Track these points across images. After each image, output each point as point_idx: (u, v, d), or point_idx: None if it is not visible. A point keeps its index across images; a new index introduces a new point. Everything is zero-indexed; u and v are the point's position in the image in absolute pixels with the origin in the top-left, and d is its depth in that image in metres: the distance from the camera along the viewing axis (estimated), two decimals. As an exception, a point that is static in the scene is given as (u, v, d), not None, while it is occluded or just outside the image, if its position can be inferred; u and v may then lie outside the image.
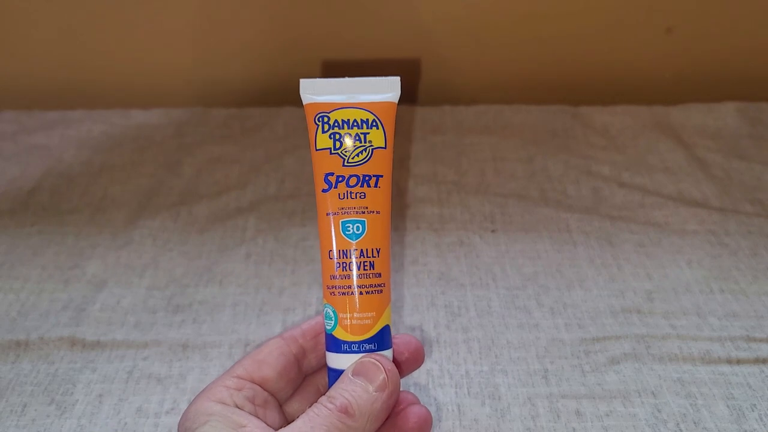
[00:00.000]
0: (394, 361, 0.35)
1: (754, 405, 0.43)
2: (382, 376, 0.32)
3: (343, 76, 0.35)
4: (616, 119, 0.73)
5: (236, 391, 0.32)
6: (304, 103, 0.35)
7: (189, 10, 0.74)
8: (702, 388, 0.44)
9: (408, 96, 0.78)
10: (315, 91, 0.35)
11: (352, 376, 0.32)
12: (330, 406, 0.30)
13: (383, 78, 0.35)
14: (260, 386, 0.33)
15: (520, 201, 0.62)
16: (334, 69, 0.76)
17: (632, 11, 0.75)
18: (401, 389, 0.34)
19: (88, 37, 0.75)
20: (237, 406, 0.31)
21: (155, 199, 0.62)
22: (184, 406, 0.43)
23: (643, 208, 0.61)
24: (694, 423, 0.41)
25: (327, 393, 0.31)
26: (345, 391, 0.31)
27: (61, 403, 0.43)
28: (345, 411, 0.30)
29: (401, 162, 0.67)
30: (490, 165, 0.67)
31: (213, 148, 0.69)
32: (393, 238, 0.57)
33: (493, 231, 0.58)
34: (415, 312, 0.50)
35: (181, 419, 0.31)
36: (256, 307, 0.51)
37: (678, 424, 0.41)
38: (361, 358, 0.33)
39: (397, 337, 0.36)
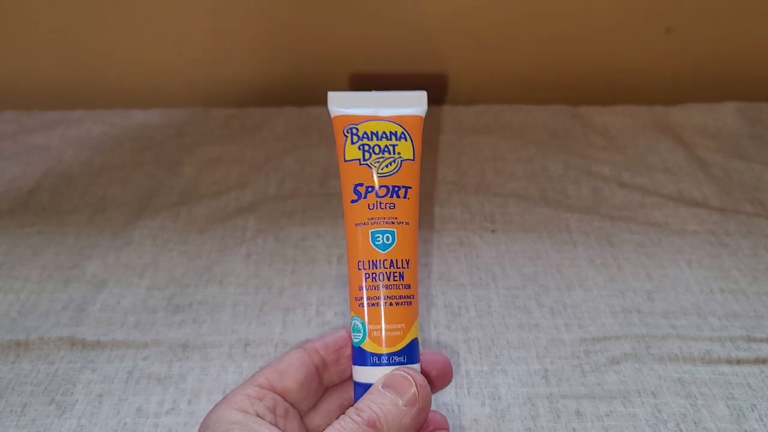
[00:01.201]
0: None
1: (755, 405, 0.43)
2: (412, 390, 0.31)
3: (369, 89, 0.35)
4: (616, 119, 0.73)
5: (257, 400, 0.31)
6: (332, 116, 0.35)
7: (189, 10, 0.74)
8: (702, 388, 0.44)
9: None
10: (343, 104, 0.35)
11: (382, 388, 0.31)
12: (357, 419, 0.29)
13: (410, 92, 0.35)
14: (281, 396, 0.33)
15: (520, 201, 0.62)
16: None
17: (632, 11, 0.75)
18: (432, 409, 0.33)
19: (88, 37, 0.75)
20: (258, 415, 0.31)
21: (155, 199, 0.62)
22: (184, 407, 0.43)
23: (643, 208, 0.61)
24: (695, 423, 0.41)
25: (355, 405, 0.31)
26: (374, 404, 0.30)
27: (61, 403, 0.43)
28: (372, 425, 0.29)
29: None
30: (490, 165, 0.67)
31: (213, 148, 0.69)
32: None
33: (493, 231, 0.58)
34: (415, 312, 0.50)
35: (201, 426, 0.31)
36: (256, 307, 0.51)
37: (678, 424, 0.41)
38: (393, 370, 0.32)
39: (425, 353, 0.35)
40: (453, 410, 0.43)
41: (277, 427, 0.31)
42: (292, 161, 0.67)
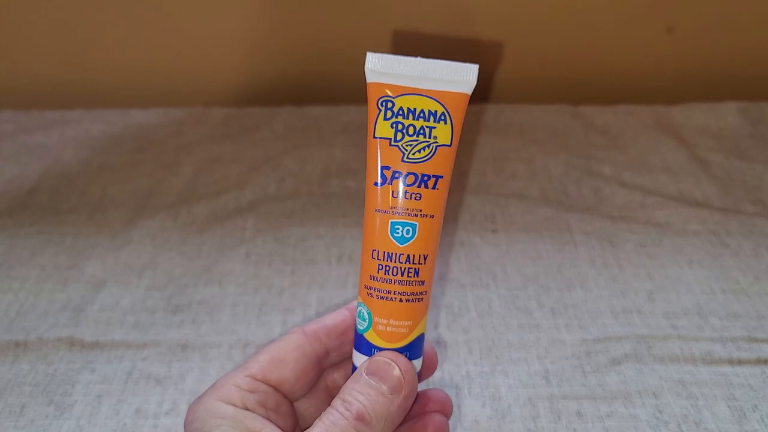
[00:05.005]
0: None
1: (756, 406, 0.42)
2: (397, 376, 0.30)
3: (415, 54, 0.31)
4: (617, 119, 0.73)
5: (248, 392, 0.30)
6: (368, 81, 0.32)
7: (188, 10, 0.74)
8: (703, 389, 0.44)
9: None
10: (383, 69, 0.31)
11: (366, 374, 0.30)
12: (346, 413, 0.29)
13: (460, 64, 0.31)
14: (275, 388, 0.31)
15: (520, 201, 0.61)
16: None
17: (633, 10, 0.75)
18: (435, 387, 0.33)
19: (87, 37, 0.75)
20: (248, 409, 0.30)
21: (154, 199, 0.62)
22: (183, 407, 0.43)
23: (644, 208, 0.61)
24: (696, 424, 0.41)
25: (341, 395, 0.30)
26: (360, 394, 0.29)
27: (59, 404, 0.43)
28: (362, 419, 0.28)
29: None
30: (490, 165, 0.66)
31: (212, 148, 0.69)
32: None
33: (493, 231, 0.58)
34: (416, 312, 0.50)
35: (188, 417, 0.30)
36: (256, 307, 0.51)
37: (679, 424, 0.41)
38: (375, 355, 0.31)
39: None
40: (453, 411, 0.42)
41: (269, 420, 0.30)
42: (291, 161, 0.67)
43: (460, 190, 0.63)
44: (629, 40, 0.76)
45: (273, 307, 0.51)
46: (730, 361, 0.46)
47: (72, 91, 0.77)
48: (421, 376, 0.34)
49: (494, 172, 0.65)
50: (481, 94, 0.78)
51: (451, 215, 0.60)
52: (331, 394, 0.34)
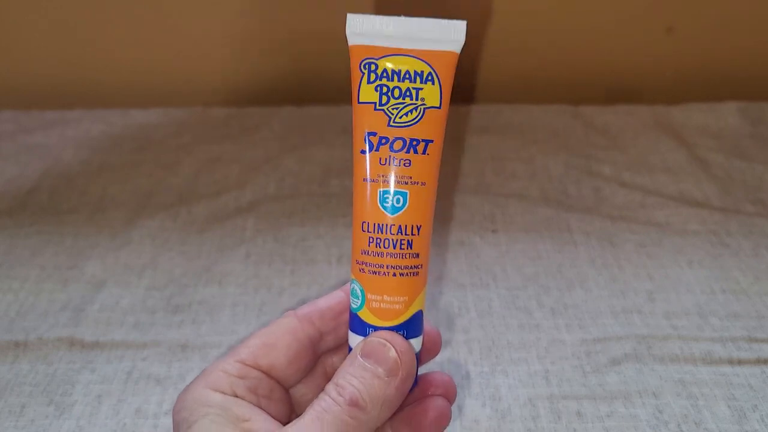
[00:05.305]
0: None
1: (756, 406, 0.42)
2: (393, 357, 0.28)
3: (398, 14, 0.30)
4: (617, 119, 0.73)
5: (238, 378, 0.29)
6: (349, 44, 0.30)
7: (187, 10, 0.74)
8: (703, 389, 0.44)
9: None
10: (364, 31, 0.29)
11: (361, 356, 0.28)
12: (339, 399, 0.27)
13: (447, 21, 0.29)
14: (266, 373, 0.30)
15: (520, 201, 0.61)
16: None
17: (632, 11, 0.75)
18: (437, 370, 0.31)
19: (87, 37, 0.75)
20: (237, 396, 0.28)
21: (154, 198, 0.62)
22: (183, 407, 0.43)
23: (644, 208, 0.60)
24: (696, 424, 0.41)
25: (335, 379, 0.28)
26: (354, 378, 0.27)
27: (59, 404, 0.43)
28: (356, 404, 0.27)
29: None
30: (490, 165, 0.66)
31: (212, 148, 0.69)
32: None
33: (493, 231, 0.58)
34: (416, 312, 0.50)
35: (176, 406, 0.28)
36: (256, 307, 0.51)
37: (679, 425, 0.41)
38: (370, 336, 0.29)
39: None
40: (453, 411, 0.42)
41: (260, 407, 0.28)
42: (291, 161, 0.67)
43: (459, 190, 0.63)
44: (629, 40, 0.76)
45: (273, 307, 0.51)
46: (730, 361, 0.46)
47: (72, 91, 0.77)
48: (422, 358, 0.32)
49: (494, 172, 0.65)
50: (476, 93, 0.78)
51: (451, 215, 0.60)
52: (329, 379, 0.33)
